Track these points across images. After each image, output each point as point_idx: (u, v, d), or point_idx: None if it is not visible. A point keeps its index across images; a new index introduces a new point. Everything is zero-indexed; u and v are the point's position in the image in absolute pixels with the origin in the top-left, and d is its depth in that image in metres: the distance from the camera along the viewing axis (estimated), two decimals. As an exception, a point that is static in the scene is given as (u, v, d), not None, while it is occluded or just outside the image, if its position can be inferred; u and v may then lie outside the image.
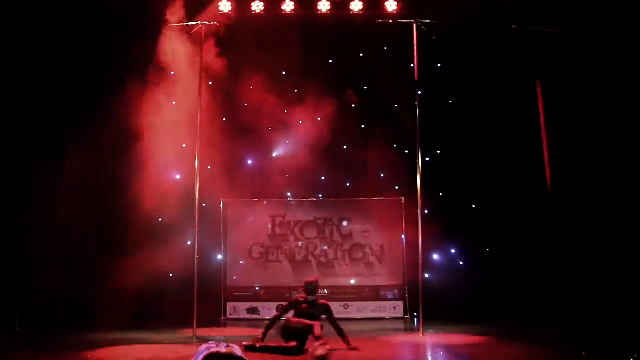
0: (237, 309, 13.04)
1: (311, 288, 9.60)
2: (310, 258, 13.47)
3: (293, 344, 8.93)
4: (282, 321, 9.52)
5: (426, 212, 11.60)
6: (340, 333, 9.47)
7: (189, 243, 11.99)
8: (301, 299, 9.64)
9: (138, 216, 12.46)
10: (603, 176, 12.01)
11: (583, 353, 8.61)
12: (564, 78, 12.05)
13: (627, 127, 11.91)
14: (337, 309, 13.09)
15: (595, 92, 11.99)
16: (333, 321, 9.59)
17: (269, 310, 12.53)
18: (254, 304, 13.07)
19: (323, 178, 13.55)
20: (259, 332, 9.47)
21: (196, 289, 10.94)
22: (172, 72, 12.41)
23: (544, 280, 12.25)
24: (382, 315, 13.12)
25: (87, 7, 11.97)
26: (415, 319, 12.16)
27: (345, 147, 13.63)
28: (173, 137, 12.03)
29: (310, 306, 9.45)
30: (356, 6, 12.01)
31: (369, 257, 13.43)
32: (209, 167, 12.53)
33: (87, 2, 12.06)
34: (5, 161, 11.73)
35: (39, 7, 11.83)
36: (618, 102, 11.93)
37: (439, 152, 13.26)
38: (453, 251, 13.49)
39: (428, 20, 11.34)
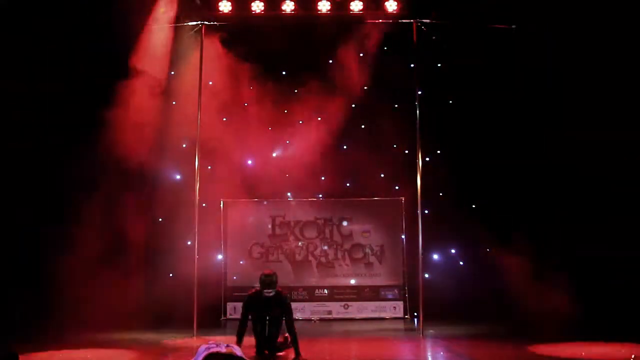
0: (237, 309, 12.98)
1: (268, 282, 8.52)
2: (310, 258, 13.49)
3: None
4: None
5: (426, 212, 11.61)
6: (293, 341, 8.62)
7: (189, 243, 12.00)
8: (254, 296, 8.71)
9: (138, 216, 12.50)
10: (603, 175, 12.02)
11: (583, 353, 8.62)
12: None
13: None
14: (337, 309, 13.16)
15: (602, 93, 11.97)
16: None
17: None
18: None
19: (323, 178, 13.55)
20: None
21: (196, 288, 10.96)
22: (172, 72, 12.45)
23: (544, 280, 12.25)
24: (382, 315, 13.13)
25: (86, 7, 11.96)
26: (415, 319, 12.18)
27: (345, 147, 13.64)
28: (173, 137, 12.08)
29: (267, 305, 8.63)
30: (356, 6, 12.01)
31: (369, 257, 13.44)
32: (209, 167, 12.54)
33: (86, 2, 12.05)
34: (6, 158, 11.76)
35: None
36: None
37: (439, 152, 13.27)
38: (453, 251, 13.50)
39: (428, 20, 11.34)
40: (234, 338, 8.47)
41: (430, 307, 11.05)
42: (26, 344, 9.48)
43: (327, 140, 12.98)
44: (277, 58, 13.25)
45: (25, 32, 11.50)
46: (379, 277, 13.35)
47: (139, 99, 11.91)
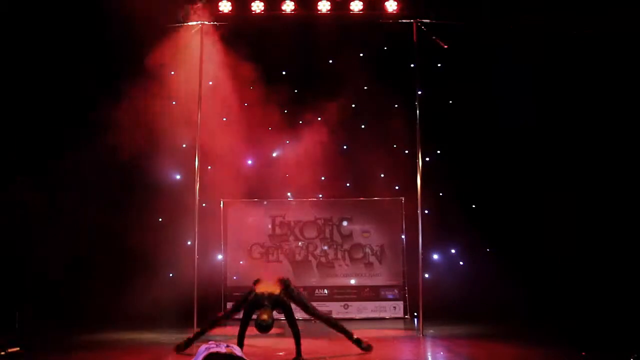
0: (238, 309, 13.01)
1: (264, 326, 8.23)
2: (310, 258, 13.49)
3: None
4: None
5: (426, 212, 11.61)
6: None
7: (189, 243, 12.00)
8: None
9: (138, 216, 12.50)
10: (604, 174, 12.04)
11: (583, 353, 8.61)
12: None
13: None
14: (337, 309, 13.16)
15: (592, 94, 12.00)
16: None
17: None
18: (254, 304, 13.02)
19: (323, 178, 13.54)
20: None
21: (196, 288, 10.96)
22: (172, 72, 12.44)
23: (544, 280, 12.26)
24: (382, 315, 13.13)
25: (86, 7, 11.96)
26: (415, 319, 12.18)
27: (345, 147, 13.64)
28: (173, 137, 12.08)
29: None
30: (356, 6, 12.01)
31: (369, 257, 13.44)
32: (209, 167, 12.54)
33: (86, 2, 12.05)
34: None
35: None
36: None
37: (439, 152, 13.27)
38: (453, 251, 13.50)
39: (428, 20, 11.35)
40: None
41: (430, 307, 11.06)
42: (26, 344, 9.51)
43: (327, 140, 12.98)
44: (277, 58, 13.24)
45: (25, 32, 11.52)
46: (379, 277, 13.35)
47: (140, 99, 11.93)
